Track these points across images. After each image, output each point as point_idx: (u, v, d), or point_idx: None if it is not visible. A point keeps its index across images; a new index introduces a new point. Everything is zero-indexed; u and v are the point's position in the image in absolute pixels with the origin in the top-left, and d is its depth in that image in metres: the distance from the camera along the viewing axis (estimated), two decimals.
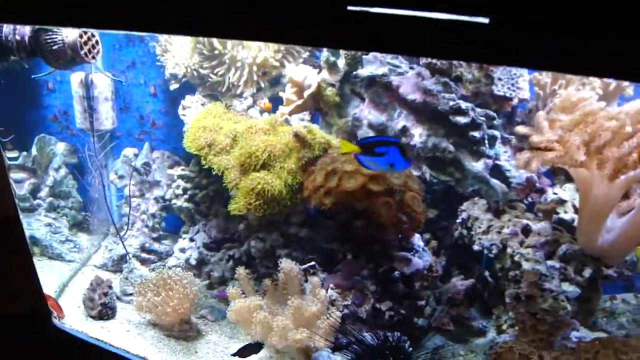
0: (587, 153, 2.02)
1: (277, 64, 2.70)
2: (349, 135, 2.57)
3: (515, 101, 2.44)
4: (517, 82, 2.43)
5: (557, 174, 2.55)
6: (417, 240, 2.35)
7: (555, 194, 2.48)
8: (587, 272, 2.24)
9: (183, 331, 2.50)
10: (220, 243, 2.67)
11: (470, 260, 2.51)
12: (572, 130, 2.02)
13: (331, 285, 2.30)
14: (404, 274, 2.30)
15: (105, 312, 2.56)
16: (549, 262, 2.25)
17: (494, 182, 2.39)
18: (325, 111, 2.60)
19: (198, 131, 2.52)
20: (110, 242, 3.00)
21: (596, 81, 2.49)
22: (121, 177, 3.00)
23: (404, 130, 2.44)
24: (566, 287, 2.23)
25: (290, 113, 2.59)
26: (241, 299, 2.31)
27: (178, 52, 2.75)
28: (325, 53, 2.55)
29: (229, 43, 2.66)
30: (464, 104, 2.33)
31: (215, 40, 2.61)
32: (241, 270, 2.39)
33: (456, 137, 2.39)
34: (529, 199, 2.51)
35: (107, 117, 2.85)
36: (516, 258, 2.25)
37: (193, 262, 2.70)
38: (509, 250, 2.28)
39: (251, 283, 2.42)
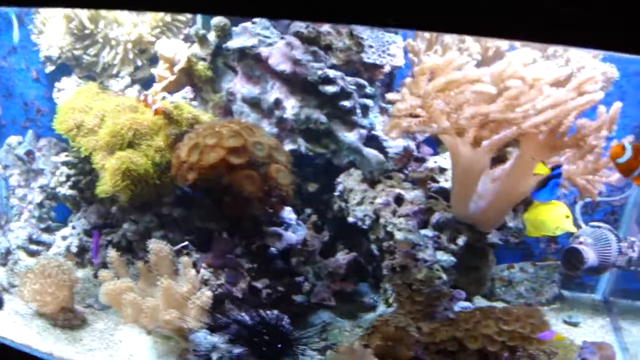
0: (449, 119, 1.97)
1: (154, 39, 2.62)
2: (224, 111, 2.50)
3: (387, 69, 2.38)
4: (388, 49, 2.37)
5: (442, 142, 2.50)
6: (289, 213, 2.29)
7: (435, 162, 2.43)
8: (461, 240, 2.20)
9: (67, 320, 2.41)
10: (100, 228, 2.58)
11: (356, 234, 2.45)
12: (436, 95, 1.97)
13: (203, 265, 2.23)
14: (278, 250, 2.24)
15: None
16: (423, 231, 2.20)
17: (369, 152, 2.33)
18: (199, 87, 2.52)
19: (67, 113, 2.43)
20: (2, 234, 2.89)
21: (474, 45, 2.44)
22: (6, 167, 2.89)
23: (277, 103, 2.37)
24: (441, 256, 2.18)
25: (164, 90, 2.51)
26: (111, 281, 2.24)
27: (51, 33, 2.65)
28: (195, 26, 2.47)
29: (102, 21, 2.57)
30: (332, 73, 2.27)
31: (85, 18, 2.52)
32: (112, 253, 2.31)
33: (329, 108, 2.33)
34: (409, 169, 2.46)
35: None
36: (389, 228, 2.21)
37: (74, 249, 2.61)
38: (381, 220, 2.23)
39: (126, 266, 2.35)
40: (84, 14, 2.50)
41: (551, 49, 2.37)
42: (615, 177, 2.03)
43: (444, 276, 2.13)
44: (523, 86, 1.95)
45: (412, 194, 2.26)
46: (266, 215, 2.25)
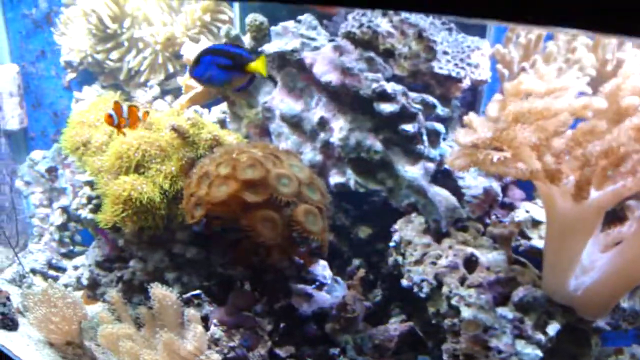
0: (540, 157, 1.37)
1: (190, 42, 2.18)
2: (261, 130, 2.01)
3: (466, 83, 1.79)
4: (469, 57, 1.78)
5: None
6: (323, 269, 1.76)
7: (527, 212, 1.81)
8: (552, 329, 1.57)
9: (77, 355, 2.09)
10: (114, 261, 2.17)
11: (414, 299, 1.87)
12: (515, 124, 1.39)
13: (214, 321, 1.77)
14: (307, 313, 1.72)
15: (6, 322, 2.18)
16: (500, 310, 1.59)
17: (436, 193, 1.75)
18: (232, 100, 2.05)
19: (76, 128, 2.04)
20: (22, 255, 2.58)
21: (587, 57, 1.81)
22: (28, 184, 2.57)
23: (322, 123, 1.85)
24: (522, 347, 1.56)
25: (191, 103, 2.06)
26: (110, 323, 1.85)
27: (73, 34, 2.29)
28: (227, 25, 2.00)
29: (127, 19, 2.17)
30: (390, 87, 1.72)
31: (105, 17, 2.13)
32: (113, 294, 1.92)
33: (387, 133, 1.78)
34: (491, 218, 1.85)
35: (13, 116, 2.44)
36: (454, 301, 1.62)
37: (85, 282, 2.22)
38: (444, 289, 1.64)
39: (128, 308, 1.94)
40: (104, 10, 2.10)
41: None
42: None
43: None
44: None
45: (490, 257, 1.65)
46: (293, 269, 1.73)
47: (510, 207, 1.85)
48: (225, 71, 1.58)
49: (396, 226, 1.82)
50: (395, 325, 1.84)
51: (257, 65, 1.60)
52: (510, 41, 1.82)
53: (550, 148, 1.35)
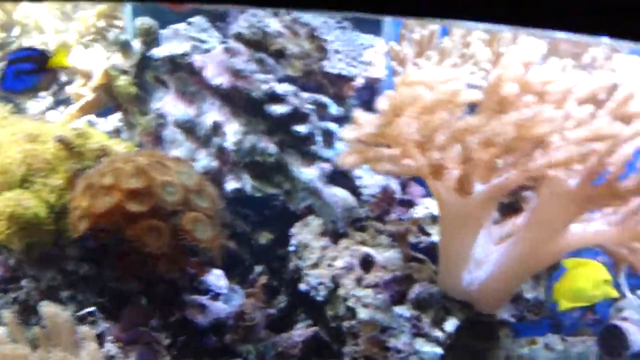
0: (425, 152, 1.36)
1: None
2: (154, 138, 1.94)
3: (359, 82, 1.77)
4: (360, 55, 1.76)
5: None
6: (217, 279, 1.70)
7: (427, 208, 1.80)
8: (449, 324, 1.55)
9: None
10: (8, 282, 2.06)
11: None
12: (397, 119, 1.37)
13: (110, 338, 1.69)
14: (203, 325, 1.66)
15: None
16: (397, 309, 1.57)
17: (332, 194, 1.72)
18: (125, 108, 1.97)
19: None
20: None
21: (482, 51, 1.82)
22: None
23: (216, 128, 1.80)
24: (421, 345, 1.54)
25: (81, 113, 1.98)
26: (5, 345, 1.75)
27: None
28: (114, 31, 1.93)
29: (16, 28, 2.07)
30: (281, 88, 1.68)
31: None
32: (6, 314, 1.80)
33: (281, 135, 1.74)
34: (392, 216, 1.82)
35: None
36: (350, 303, 1.58)
37: None
38: (341, 291, 1.61)
39: (23, 329, 1.84)
40: None
41: (590, 54, 1.71)
42: None
43: None
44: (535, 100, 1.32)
45: (387, 255, 1.63)
46: (185, 280, 1.67)
47: (410, 204, 1.83)
48: (32, 75, 1.56)
49: (294, 230, 1.78)
50: (300, 331, 1.80)
51: (58, 59, 1.60)
52: (405, 38, 1.80)
53: (433, 143, 1.33)
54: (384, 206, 1.77)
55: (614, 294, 1.74)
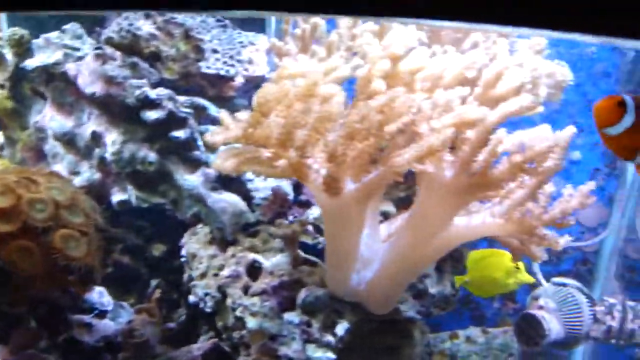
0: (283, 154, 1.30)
1: None
2: (36, 153, 1.85)
3: (239, 81, 1.70)
4: (239, 54, 1.69)
5: None
6: (100, 296, 1.62)
7: None
8: (340, 328, 1.49)
9: None
10: None
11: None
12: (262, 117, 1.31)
13: None
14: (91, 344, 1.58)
15: None
16: (287, 316, 1.51)
17: (218, 199, 1.65)
18: (4, 123, 1.87)
19: None
20: None
21: (373, 44, 1.76)
22: None
23: (95, 138, 1.71)
24: (313, 351, 1.49)
25: None
26: None
27: None
28: None
29: None
30: (154, 92, 1.60)
31: None
32: None
33: (162, 141, 1.67)
34: (290, 218, 1.76)
35: None
36: (238, 312, 1.52)
37: None
38: (229, 301, 1.54)
39: None
40: None
41: (471, 39, 1.67)
42: (564, 240, 1.30)
43: None
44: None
45: (274, 261, 1.56)
46: (68, 299, 1.59)
47: (307, 205, 1.77)
48: None
49: (183, 240, 1.71)
50: (200, 344, 1.73)
51: None
52: (287, 33, 1.74)
53: (293, 141, 1.27)
54: (276, 209, 1.71)
55: (529, 279, 1.72)
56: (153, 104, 1.59)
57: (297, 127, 1.25)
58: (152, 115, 1.59)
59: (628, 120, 0.91)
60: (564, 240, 1.29)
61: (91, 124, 1.72)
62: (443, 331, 2.07)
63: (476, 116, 1.23)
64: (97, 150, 1.72)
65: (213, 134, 1.34)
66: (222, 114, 1.36)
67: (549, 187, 1.30)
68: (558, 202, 1.30)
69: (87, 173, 1.74)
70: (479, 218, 1.37)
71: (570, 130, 1.22)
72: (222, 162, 1.36)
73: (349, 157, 1.26)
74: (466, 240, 1.45)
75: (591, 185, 1.29)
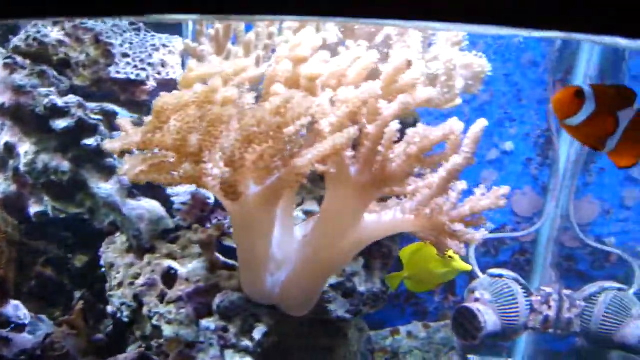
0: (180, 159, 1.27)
1: None
2: None
3: (151, 84, 1.67)
4: (150, 57, 1.66)
5: None
6: (15, 309, 1.59)
7: None
8: (258, 332, 1.47)
9: None
10: None
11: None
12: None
13: None
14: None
15: None
16: (203, 322, 1.48)
17: (134, 206, 1.61)
18: None
19: None
20: None
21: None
22: None
23: (9, 150, 1.67)
24: (230, 356, 1.46)
25: None
26: None
27: None
28: None
29: None
30: (61, 100, 1.56)
31: None
32: None
33: (75, 149, 1.63)
34: (215, 222, 1.73)
35: None
36: (155, 320, 1.48)
37: None
38: (145, 309, 1.51)
39: None
40: None
41: (383, 34, 1.64)
42: (479, 234, 1.28)
43: None
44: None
45: (190, 267, 1.53)
46: None
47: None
48: None
49: (102, 249, 1.68)
50: (126, 354, 1.69)
51: None
52: (202, 34, 1.71)
53: (187, 146, 1.24)
54: (197, 214, 1.68)
55: (466, 267, 1.68)
56: (61, 112, 1.55)
57: (191, 132, 1.22)
58: (61, 123, 1.55)
59: (589, 109, 0.92)
60: (480, 235, 1.27)
61: (4, 135, 1.68)
62: (386, 328, 2.05)
63: (374, 109, 1.21)
64: (11, 162, 1.68)
65: (112, 141, 1.31)
66: (120, 120, 1.33)
67: (461, 184, 1.28)
68: (468, 200, 1.28)
69: (3, 185, 1.70)
70: (390, 214, 1.34)
71: (482, 123, 1.21)
72: (127, 170, 1.32)
73: (247, 161, 1.23)
74: (379, 237, 1.43)
75: (506, 189, 1.27)
